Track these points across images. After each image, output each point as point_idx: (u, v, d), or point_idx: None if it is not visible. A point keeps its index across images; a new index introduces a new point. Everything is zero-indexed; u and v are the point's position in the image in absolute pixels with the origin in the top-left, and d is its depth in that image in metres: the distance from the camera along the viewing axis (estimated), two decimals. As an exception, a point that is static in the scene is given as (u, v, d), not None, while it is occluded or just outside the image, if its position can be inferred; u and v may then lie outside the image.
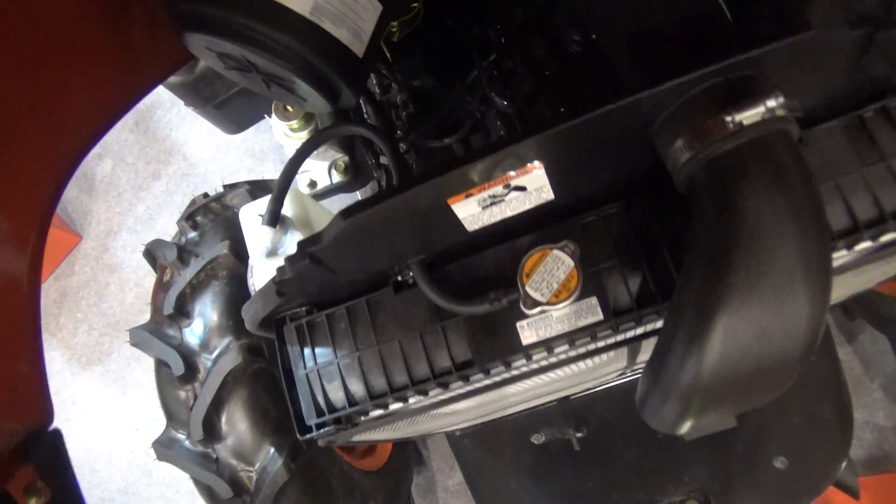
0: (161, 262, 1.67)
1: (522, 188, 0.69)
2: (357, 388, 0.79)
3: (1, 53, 0.66)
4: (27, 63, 0.68)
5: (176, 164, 3.08)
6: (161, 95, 3.20)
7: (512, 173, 0.67)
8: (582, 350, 0.78)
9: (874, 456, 2.19)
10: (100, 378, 2.91)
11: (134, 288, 2.98)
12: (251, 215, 0.99)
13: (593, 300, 0.74)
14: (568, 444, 1.45)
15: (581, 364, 0.94)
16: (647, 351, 1.18)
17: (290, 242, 0.98)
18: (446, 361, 0.77)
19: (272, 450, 1.49)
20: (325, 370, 0.79)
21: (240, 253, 1.61)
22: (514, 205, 0.71)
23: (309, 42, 0.74)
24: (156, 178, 3.09)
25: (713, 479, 1.37)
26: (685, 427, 0.69)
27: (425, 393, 0.79)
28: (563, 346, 0.77)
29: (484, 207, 0.70)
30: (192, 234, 1.70)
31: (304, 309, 0.82)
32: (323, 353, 0.80)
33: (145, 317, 2.73)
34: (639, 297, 0.74)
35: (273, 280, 0.74)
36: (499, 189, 0.68)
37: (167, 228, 3.00)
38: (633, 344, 0.86)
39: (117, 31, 0.78)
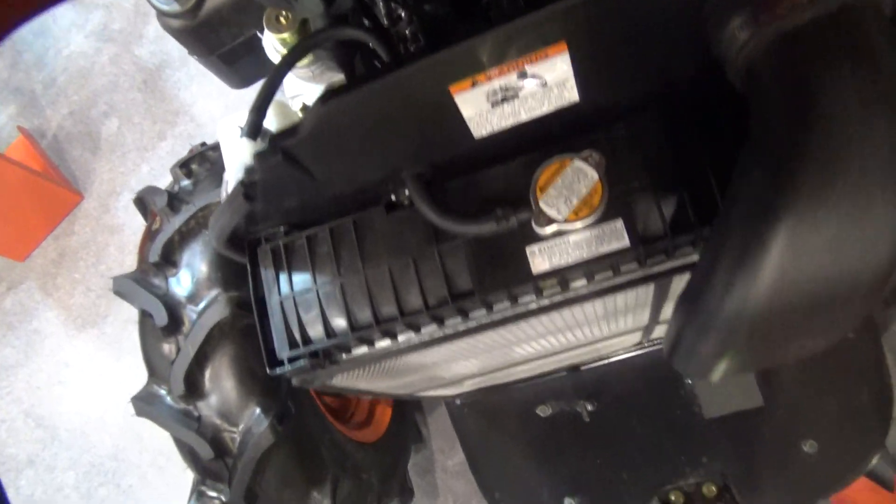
0: (152, 208, 1.57)
1: (542, 81, 0.57)
2: (338, 320, 0.68)
3: None
4: None
5: (183, 124, 3.00)
6: (171, 54, 3.11)
7: (530, 58, 0.55)
8: (601, 286, 0.67)
9: (901, 455, 2.05)
10: (95, 341, 2.84)
11: (134, 250, 2.87)
12: (230, 128, 0.89)
13: (618, 223, 0.62)
14: (576, 419, 1.33)
15: (596, 315, 0.82)
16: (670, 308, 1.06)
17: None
18: (442, 291, 0.65)
19: (258, 410, 1.39)
20: (302, 298, 0.68)
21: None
22: (531, 105, 0.60)
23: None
24: (161, 139, 3.00)
25: (734, 462, 1.25)
26: (720, 370, 0.57)
27: (417, 328, 0.68)
28: (579, 279, 0.66)
29: (494, 104, 0.59)
30: (186, 183, 1.61)
31: (281, 229, 0.71)
32: (301, 279, 0.69)
33: None
34: (673, 223, 0.62)
35: (241, 182, 0.64)
36: (512, 79, 0.57)
37: (170, 190, 2.92)
38: (659, 293, 0.74)
39: None
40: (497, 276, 0.65)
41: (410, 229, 0.67)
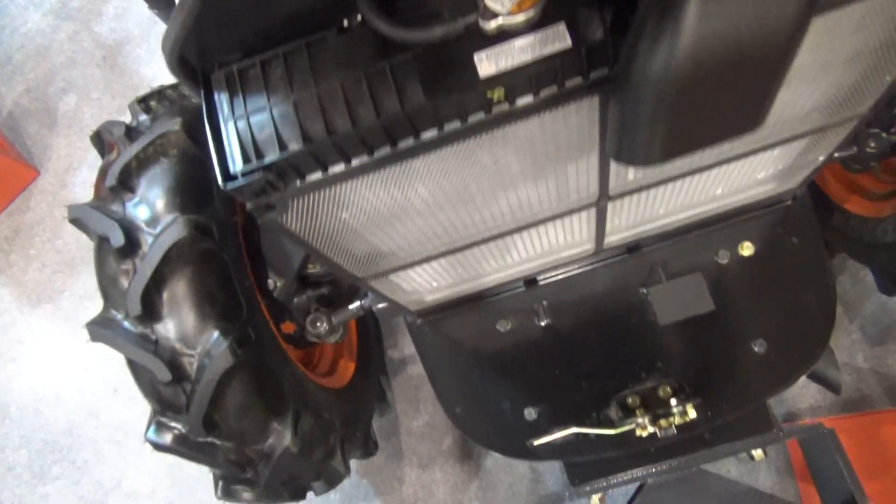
0: (109, 140, 1.56)
1: None
2: (292, 139, 0.69)
3: None
4: None
5: (142, 99, 2.97)
6: (131, 31, 3.10)
7: None
8: (546, 96, 0.68)
9: (852, 398, 2.12)
10: (51, 316, 2.76)
11: (92, 224, 2.84)
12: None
13: (560, 26, 0.65)
14: (535, 332, 1.35)
15: (547, 181, 0.85)
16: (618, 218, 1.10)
17: None
18: (395, 105, 0.67)
19: (216, 333, 1.37)
20: (256, 119, 0.69)
21: (193, 133, 1.50)
22: None
23: None
24: (121, 114, 2.96)
25: (688, 365, 1.29)
26: (657, 151, 0.60)
27: (370, 149, 0.70)
28: (526, 97, 0.68)
29: None
30: (144, 118, 1.60)
31: (236, 56, 0.72)
32: (255, 101, 0.70)
33: None
34: (612, 28, 0.65)
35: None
36: None
37: (130, 164, 2.88)
38: (603, 122, 0.77)
39: None
40: (446, 84, 0.66)
41: (362, 47, 0.68)
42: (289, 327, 1.78)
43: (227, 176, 0.69)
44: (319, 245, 0.87)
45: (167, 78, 2.93)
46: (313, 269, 1.70)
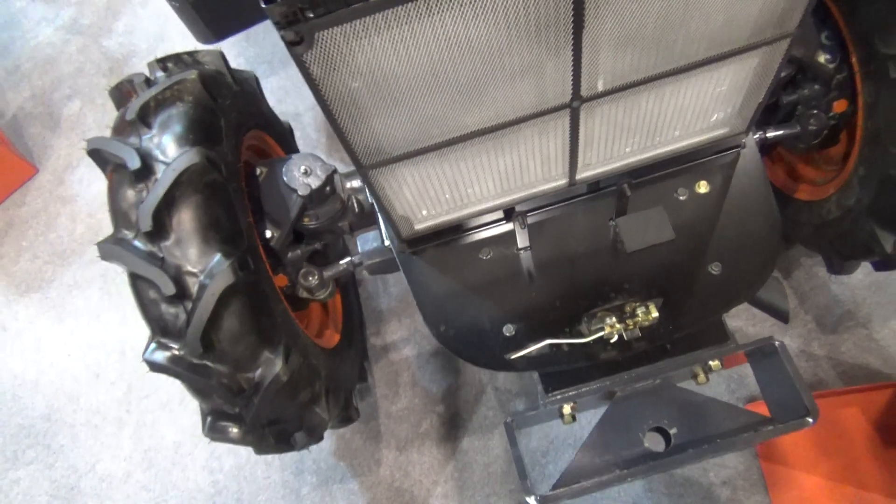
0: (127, 88, 1.70)
1: None
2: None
3: None
4: None
5: (145, 105, 3.12)
6: (138, 46, 3.29)
7: None
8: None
9: (810, 382, 2.25)
10: (37, 304, 2.81)
11: (86, 219, 2.94)
12: None
13: None
14: (514, 260, 1.48)
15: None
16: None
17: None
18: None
19: (219, 255, 1.48)
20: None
21: (208, 85, 1.65)
22: None
23: None
24: (123, 118, 3.11)
25: (651, 286, 1.42)
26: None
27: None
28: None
29: None
30: (161, 74, 1.75)
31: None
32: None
33: (95, 250, 2.74)
34: None
35: None
36: None
37: (128, 163, 3.00)
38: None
39: None
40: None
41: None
42: (281, 281, 1.88)
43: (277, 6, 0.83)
44: (333, 105, 1.01)
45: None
46: (308, 222, 1.82)
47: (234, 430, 1.66)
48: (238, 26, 2.43)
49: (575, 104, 1.17)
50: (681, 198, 1.47)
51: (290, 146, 2.28)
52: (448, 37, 0.95)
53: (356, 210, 1.87)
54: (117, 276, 2.76)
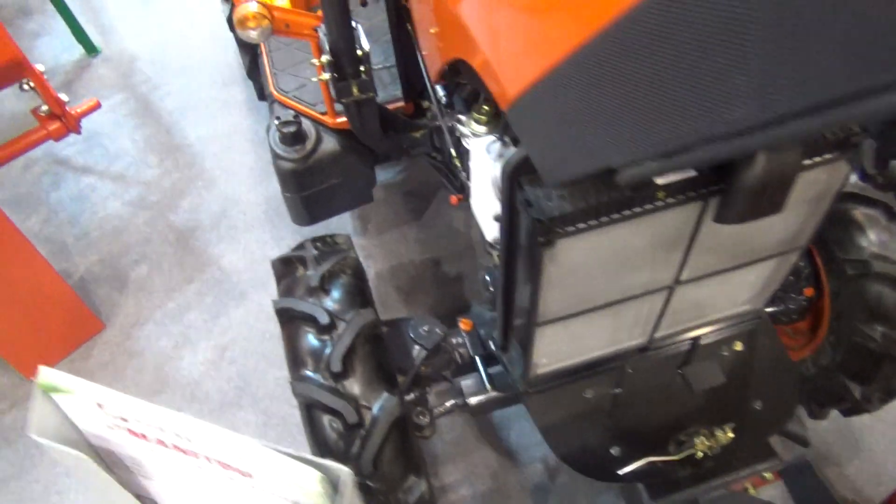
0: (302, 254, 2.17)
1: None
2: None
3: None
4: None
5: (210, 272, 3.53)
6: (202, 221, 3.77)
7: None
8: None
9: None
10: (102, 452, 2.96)
11: (153, 371, 3.20)
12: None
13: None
14: (610, 399, 1.98)
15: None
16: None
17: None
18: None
19: (387, 394, 1.90)
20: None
21: (356, 264, 2.17)
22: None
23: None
24: (189, 282, 3.49)
25: (714, 416, 1.93)
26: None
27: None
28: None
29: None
30: (314, 252, 2.25)
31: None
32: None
33: (160, 397, 3.06)
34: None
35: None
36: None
37: (196, 323, 3.34)
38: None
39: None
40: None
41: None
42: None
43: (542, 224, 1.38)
44: (544, 280, 1.54)
45: (234, 256, 3.56)
46: (425, 370, 2.26)
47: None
48: (328, 214, 3.00)
49: (673, 285, 1.75)
50: (724, 354, 2.04)
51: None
52: (623, 240, 1.53)
53: (458, 361, 2.34)
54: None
